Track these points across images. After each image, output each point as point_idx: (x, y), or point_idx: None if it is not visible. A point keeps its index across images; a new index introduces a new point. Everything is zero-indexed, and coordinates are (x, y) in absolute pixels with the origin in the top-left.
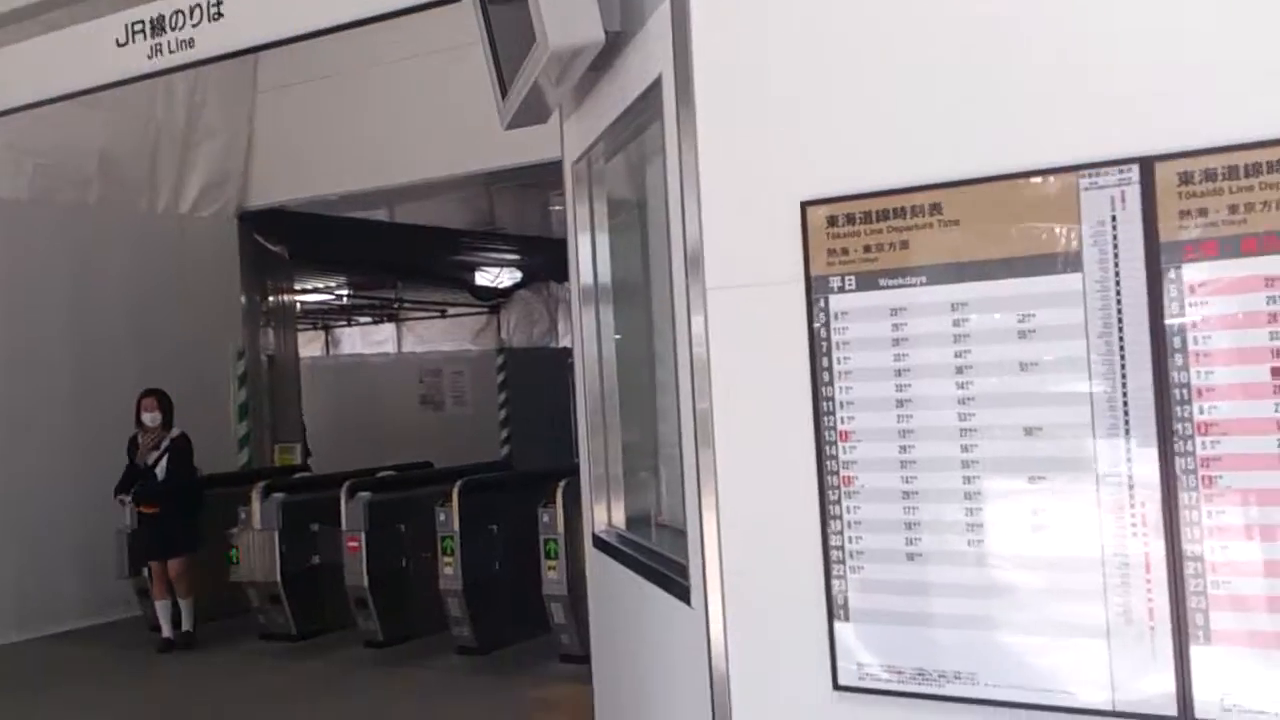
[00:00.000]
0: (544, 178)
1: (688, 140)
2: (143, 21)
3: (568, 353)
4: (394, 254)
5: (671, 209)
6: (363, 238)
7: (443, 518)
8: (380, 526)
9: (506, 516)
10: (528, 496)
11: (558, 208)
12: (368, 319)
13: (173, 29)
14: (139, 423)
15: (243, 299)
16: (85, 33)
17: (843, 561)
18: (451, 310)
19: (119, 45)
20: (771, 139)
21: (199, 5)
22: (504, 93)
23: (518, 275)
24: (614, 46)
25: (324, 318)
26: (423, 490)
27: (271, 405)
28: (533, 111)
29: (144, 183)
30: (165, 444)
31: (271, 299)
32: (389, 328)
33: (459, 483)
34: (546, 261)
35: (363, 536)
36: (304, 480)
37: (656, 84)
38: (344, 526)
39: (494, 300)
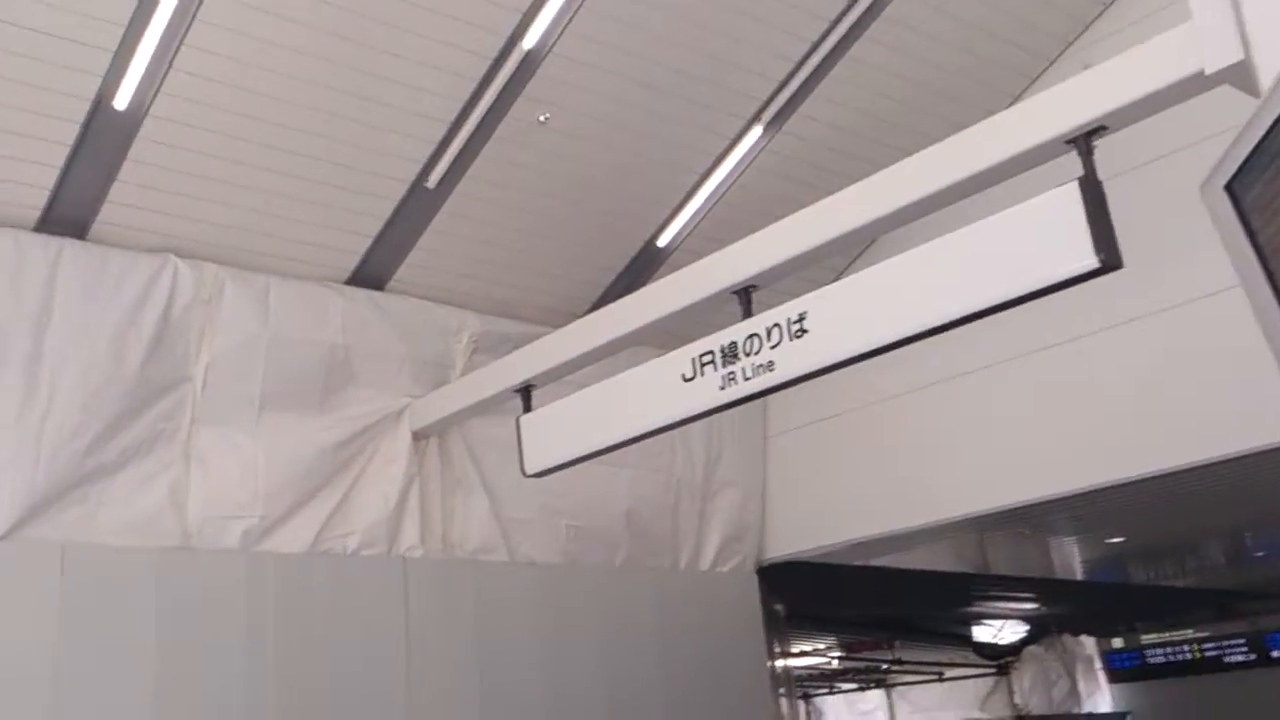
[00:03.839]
0: (1038, 519)
1: None
2: (712, 352)
3: (1098, 718)
4: (895, 606)
5: None
6: (864, 589)
7: None
8: None
9: None
10: None
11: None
12: (852, 685)
13: (747, 354)
14: None
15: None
16: (648, 373)
17: None
18: (949, 672)
19: (685, 380)
20: None
21: (778, 325)
22: None
23: (1020, 630)
24: None
25: (804, 685)
26: None
27: None
28: None
29: (666, 541)
30: None
31: (777, 664)
32: (877, 695)
33: None
34: (1062, 611)
35: None
36: None
37: None
38: None
39: (1001, 659)
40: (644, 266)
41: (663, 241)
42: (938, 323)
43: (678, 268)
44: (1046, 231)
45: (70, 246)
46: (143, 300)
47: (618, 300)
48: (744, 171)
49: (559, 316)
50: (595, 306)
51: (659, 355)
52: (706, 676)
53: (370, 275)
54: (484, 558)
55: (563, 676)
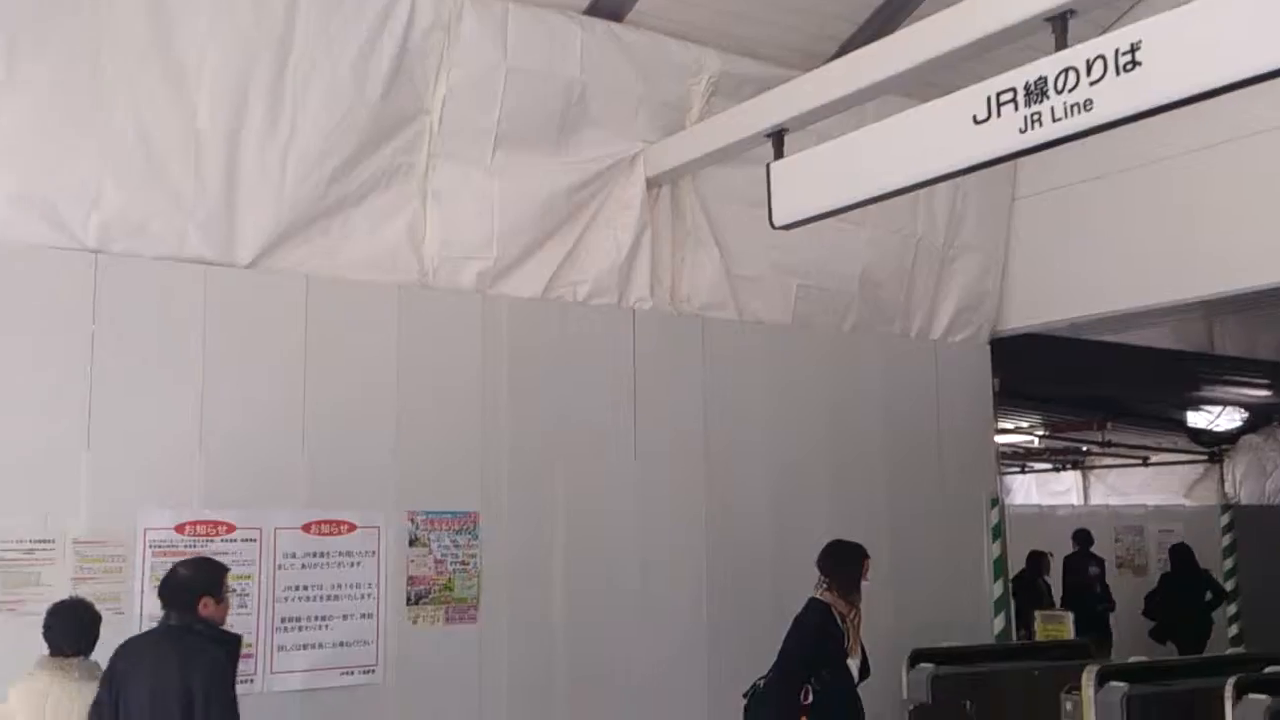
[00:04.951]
0: None
1: None
2: (1013, 90)
3: None
4: (1117, 385)
5: None
6: (1089, 366)
7: None
8: None
9: None
10: None
11: None
12: (1045, 465)
13: (1060, 91)
14: (853, 592)
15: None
16: (928, 116)
17: None
18: (1155, 457)
19: (977, 122)
20: None
21: (1102, 56)
22: None
23: (1237, 418)
24: None
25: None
26: None
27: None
28: None
29: (899, 306)
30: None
31: None
32: (1070, 476)
33: None
34: None
35: None
36: (1140, 666)
37: None
38: None
39: (1215, 446)
40: (902, 3)
41: None
42: None
43: (941, 6)
44: None
45: None
46: (382, 23)
47: (887, 37)
48: None
49: (804, 58)
50: (844, 49)
51: (911, 106)
52: (930, 448)
53: (609, 4)
54: (712, 314)
55: (787, 437)
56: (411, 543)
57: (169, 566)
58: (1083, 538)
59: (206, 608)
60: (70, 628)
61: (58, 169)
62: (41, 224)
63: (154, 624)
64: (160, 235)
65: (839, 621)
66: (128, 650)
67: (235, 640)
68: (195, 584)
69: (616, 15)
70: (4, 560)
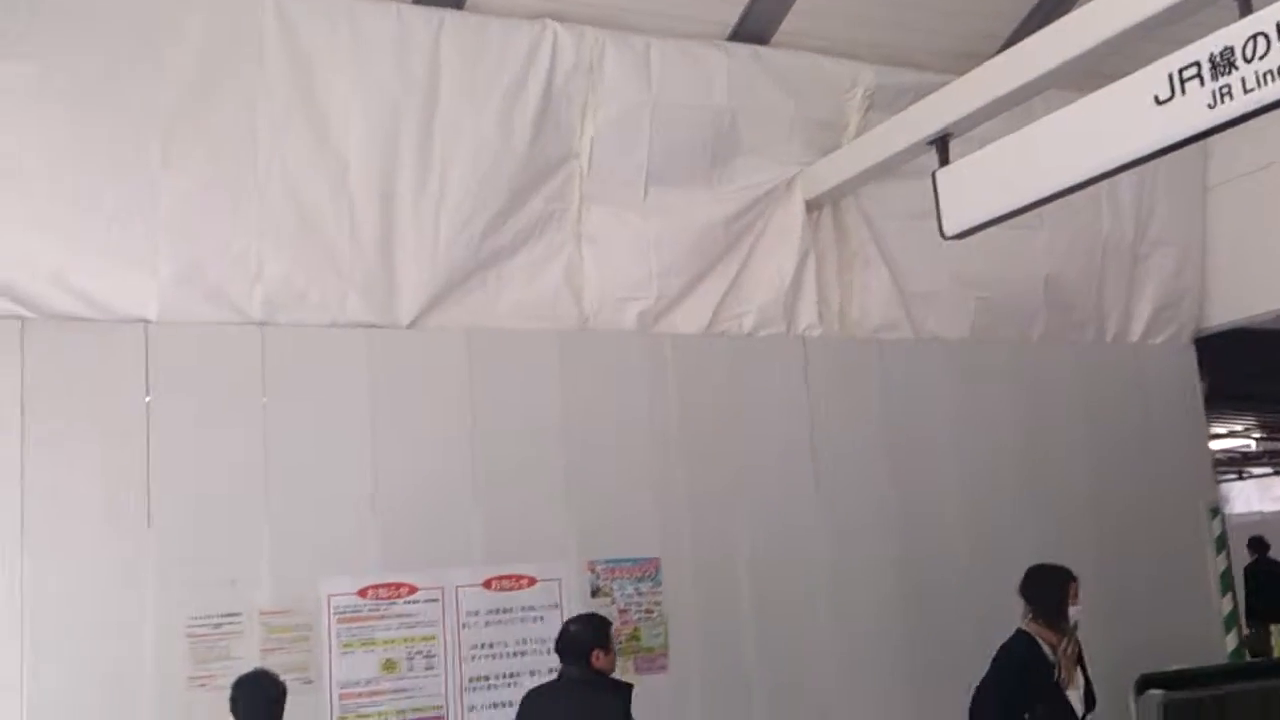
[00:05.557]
0: None
1: None
2: (1197, 64)
3: None
4: None
5: None
6: None
7: None
8: None
9: None
10: None
11: None
12: (1266, 470)
13: (1249, 60)
14: (1060, 619)
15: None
16: (1102, 103)
17: None
18: None
19: (1159, 103)
20: None
21: None
22: None
23: None
24: None
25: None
26: None
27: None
28: None
29: (1090, 309)
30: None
31: None
32: None
33: None
34: None
35: None
36: None
37: None
38: None
39: None
40: None
41: None
42: None
43: None
44: None
45: (450, 17)
46: (525, 71)
47: (1051, 24)
48: None
49: (963, 61)
50: (1007, 45)
51: (1074, 99)
52: (1135, 457)
53: (753, 29)
54: (886, 335)
55: (977, 457)
56: (594, 594)
57: (354, 633)
58: (1258, 544)
59: (598, 659)
60: (257, 701)
61: (220, 246)
62: (206, 304)
63: (344, 691)
64: (321, 302)
65: (1049, 652)
66: (533, 700)
67: (629, 688)
68: (586, 638)
69: (762, 39)
70: (194, 636)
